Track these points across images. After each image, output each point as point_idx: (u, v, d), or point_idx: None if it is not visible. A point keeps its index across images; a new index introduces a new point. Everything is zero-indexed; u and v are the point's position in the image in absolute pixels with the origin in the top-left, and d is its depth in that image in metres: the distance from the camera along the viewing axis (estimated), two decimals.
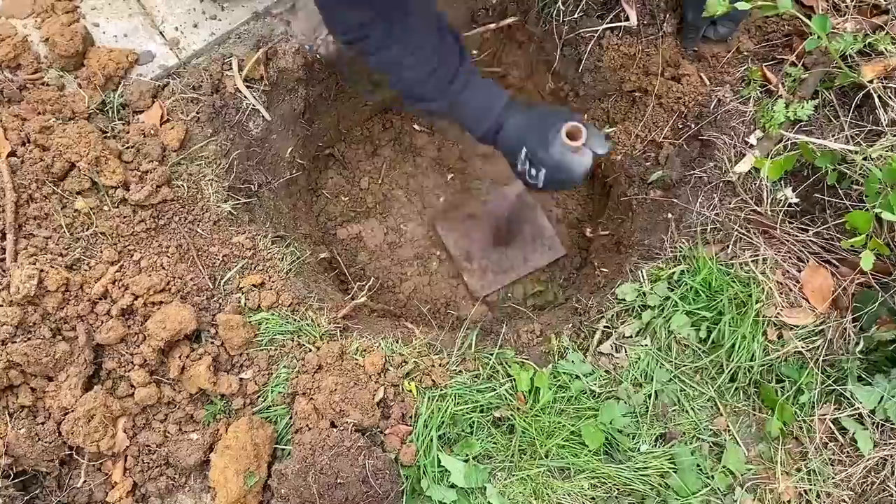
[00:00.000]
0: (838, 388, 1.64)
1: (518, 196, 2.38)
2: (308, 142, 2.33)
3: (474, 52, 2.48)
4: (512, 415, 1.65)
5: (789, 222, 1.78)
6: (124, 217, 1.68)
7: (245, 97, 1.92)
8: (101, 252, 1.64)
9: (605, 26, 2.07)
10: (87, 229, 1.66)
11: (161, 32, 1.91)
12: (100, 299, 1.59)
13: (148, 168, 1.71)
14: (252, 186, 1.95)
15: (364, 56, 1.54)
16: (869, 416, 1.62)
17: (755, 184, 1.82)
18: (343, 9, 1.45)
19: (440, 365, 1.70)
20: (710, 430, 1.66)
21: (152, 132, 1.77)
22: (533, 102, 1.76)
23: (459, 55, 1.56)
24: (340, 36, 1.54)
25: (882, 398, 1.60)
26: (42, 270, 1.53)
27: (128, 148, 1.73)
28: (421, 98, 1.57)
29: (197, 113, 1.83)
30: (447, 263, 2.59)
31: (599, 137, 1.49)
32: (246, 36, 1.95)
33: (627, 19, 2.05)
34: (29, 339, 1.49)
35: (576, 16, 2.10)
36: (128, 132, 1.76)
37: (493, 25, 2.29)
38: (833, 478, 1.60)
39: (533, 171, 1.53)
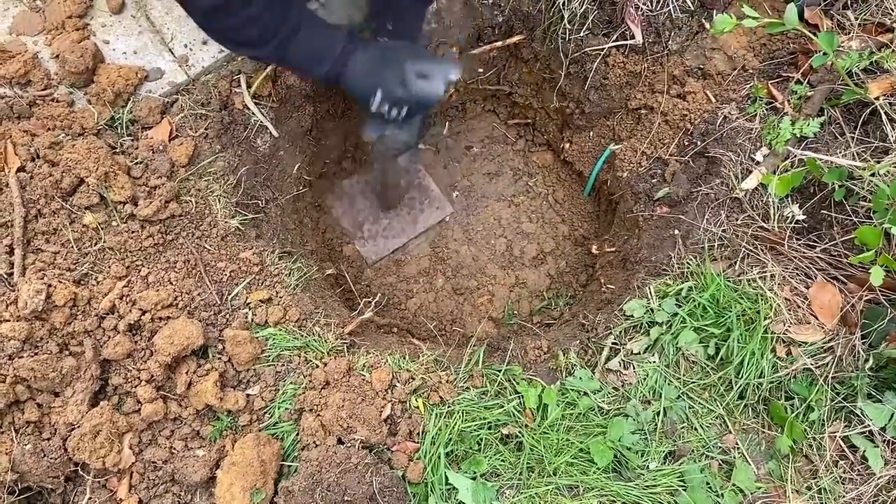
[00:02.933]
0: (848, 405, 1.62)
1: (402, 162, 2.40)
2: (315, 158, 2.34)
3: (480, 70, 2.49)
4: (520, 432, 1.64)
5: (797, 239, 1.78)
6: (132, 232, 1.68)
7: (253, 114, 1.93)
8: (109, 267, 1.64)
9: (610, 44, 2.09)
10: (95, 244, 1.66)
11: (170, 49, 1.92)
12: (107, 314, 1.59)
13: (156, 183, 1.72)
14: (259, 202, 1.95)
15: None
16: (879, 434, 1.60)
17: (762, 200, 1.82)
18: None
19: (447, 381, 1.69)
20: (720, 447, 1.65)
21: (161, 148, 1.78)
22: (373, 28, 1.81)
23: None
24: None
25: (892, 415, 1.58)
26: (50, 285, 1.53)
27: (136, 163, 1.74)
28: (246, 44, 1.54)
29: (205, 129, 1.84)
30: (453, 280, 2.59)
31: (448, 65, 1.58)
32: None
33: (633, 37, 2.06)
34: (36, 354, 1.49)
35: (581, 34, 2.11)
36: (136, 148, 1.77)
37: (499, 43, 2.31)
38: (844, 496, 1.59)
39: (394, 112, 1.60)
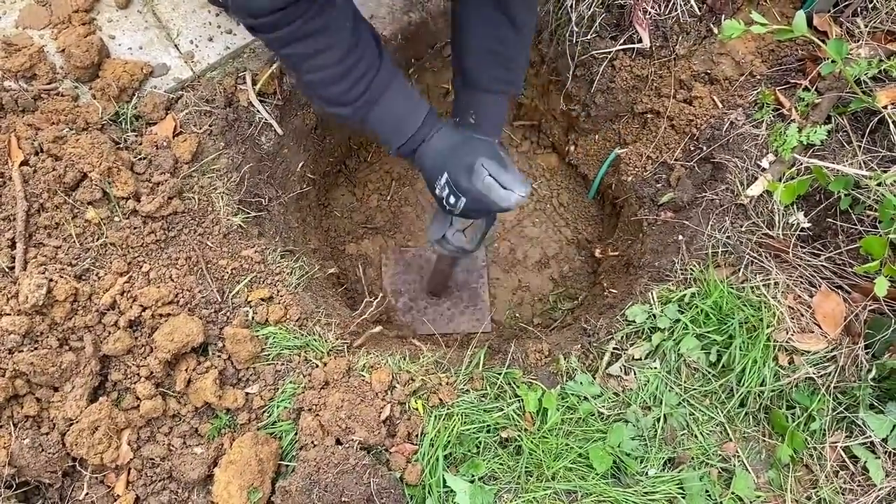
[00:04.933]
0: (850, 415, 1.62)
1: (470, 259, 2.33)
2: (319, 157, 2.33)
3: None
4: (519, 435, 1.63)
5: (801, 246, 1.77)
6: (134, 228, 1.68)
7: (258, 111, 1.92)
8: (111, 263, 1.64)
9: (618, 48, 2.08)
10: (97, 240, 1.66)
11: (176, 45, 1.92)
12: (108, 310, 1.59)
13: (159, 180, 1.71)
14: (262, 200, 1.95)
15: (270, 46, 1.38)
16: (881, 445, 1.60)
17: (767, 207, 1.81)
18: None
19: (447, 383, 1.68)
20: (719, 455, 1.64)
21: (165, 144, 1.77)
22: (456, 121, 1.66)
23: (378, 53, 1.42)
24: (247, 19, 1.29)
25: (894, 427, 1.58)
26: (51, 280, 1.53)
27: (140, 159, 1.74)
28: (332, 101, 1.44)
29: (210, 126, 1.83)
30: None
31: (521, 179, 1.43)
32: (260, 50, 1.96)
33: (640, 41, 2.05)
34: (36, 348, 1.49)
35: (589, 37, 2.10)
36: (140, 144, 1.77)
37: None
38: None
39: (452, 199, 1.49)
